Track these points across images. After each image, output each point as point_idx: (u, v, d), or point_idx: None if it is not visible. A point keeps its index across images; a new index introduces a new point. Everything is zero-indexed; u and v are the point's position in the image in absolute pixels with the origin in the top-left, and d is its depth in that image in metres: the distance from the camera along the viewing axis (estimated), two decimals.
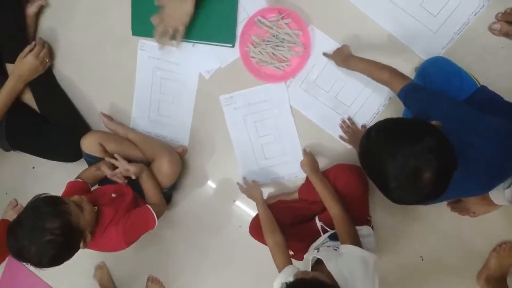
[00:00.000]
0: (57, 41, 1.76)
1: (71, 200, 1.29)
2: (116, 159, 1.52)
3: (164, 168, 1.55)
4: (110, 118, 1.72)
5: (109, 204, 1.45)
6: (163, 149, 1.61)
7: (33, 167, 1.93)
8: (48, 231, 1.18)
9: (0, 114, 1.62)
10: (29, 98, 1.73)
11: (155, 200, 1.52)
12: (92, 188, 1.59)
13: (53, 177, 1.88)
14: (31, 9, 1.69)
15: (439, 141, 0.97)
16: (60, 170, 1.81)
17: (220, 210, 1.80)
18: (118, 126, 1.70)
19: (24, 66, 1.61)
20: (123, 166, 1.50)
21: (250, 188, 1.65)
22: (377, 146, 1.02)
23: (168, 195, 1.72)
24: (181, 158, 1.68)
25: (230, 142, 1.70)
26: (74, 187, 1.51)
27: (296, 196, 1.66)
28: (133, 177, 1.52)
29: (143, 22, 1.61)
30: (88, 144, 1.58)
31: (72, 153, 1.68)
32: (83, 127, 1.76)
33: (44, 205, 1.23)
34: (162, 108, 1.74)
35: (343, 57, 1.48)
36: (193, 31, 1.59)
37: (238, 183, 1.71)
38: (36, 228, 1.18)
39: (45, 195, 1.28)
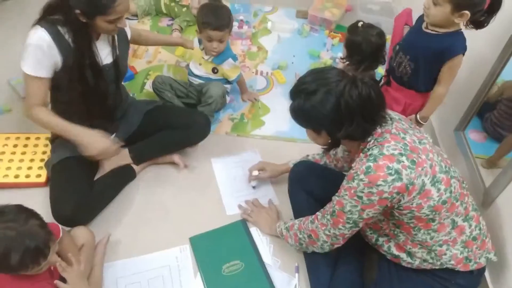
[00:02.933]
0: None
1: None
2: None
3: None
4: (106, 242, 1.62)
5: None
6: None
7: None
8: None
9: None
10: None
11: None
12: None
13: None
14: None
15: None
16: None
17: None
18: (100, 255, 1.58)
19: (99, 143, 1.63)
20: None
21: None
22: None
23: None
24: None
25: None
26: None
27: None
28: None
29: None
30: (78, 232, 1.55)
31: (68, 218, 1.57)
32: (90, 216, 1.70)
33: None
34: None
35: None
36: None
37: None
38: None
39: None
